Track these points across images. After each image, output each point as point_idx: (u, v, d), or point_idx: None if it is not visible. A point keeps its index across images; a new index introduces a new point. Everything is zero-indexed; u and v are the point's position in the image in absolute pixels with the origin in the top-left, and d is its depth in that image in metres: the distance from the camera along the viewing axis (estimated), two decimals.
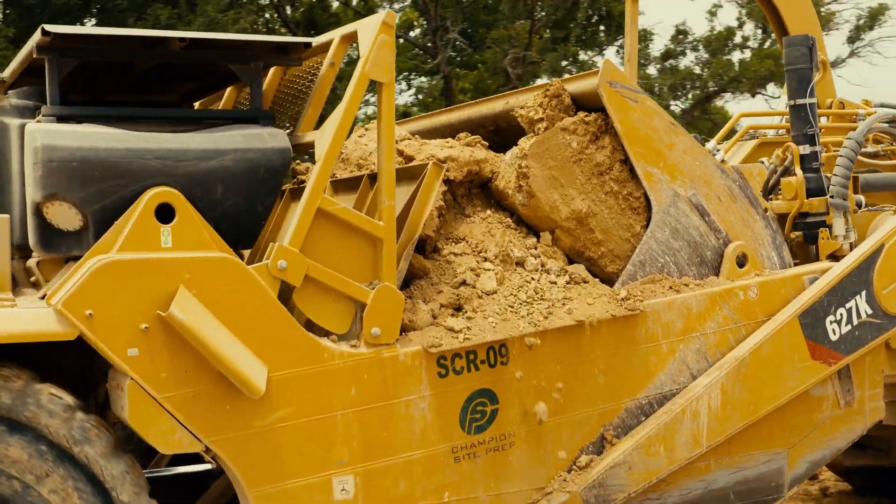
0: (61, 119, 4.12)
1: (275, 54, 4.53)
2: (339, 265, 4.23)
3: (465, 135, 5.10)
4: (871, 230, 5.52)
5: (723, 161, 5.50)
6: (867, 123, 5.62)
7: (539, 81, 24.50)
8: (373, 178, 4.83)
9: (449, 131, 5.61)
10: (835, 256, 5.34)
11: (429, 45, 22.78)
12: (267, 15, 22.16)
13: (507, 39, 22.49)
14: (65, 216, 4.02)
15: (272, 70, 4.98)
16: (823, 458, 5.25)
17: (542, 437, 4.53)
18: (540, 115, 4.80)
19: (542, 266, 4.66)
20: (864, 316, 5.13)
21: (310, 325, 4.24)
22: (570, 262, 4.83)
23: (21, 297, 4.18)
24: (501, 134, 5.34)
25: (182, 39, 4.22)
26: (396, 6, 24.13)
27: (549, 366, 4.51)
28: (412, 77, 26.16)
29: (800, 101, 5.48)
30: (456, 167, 4.73)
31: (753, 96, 26.07)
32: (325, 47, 4.60)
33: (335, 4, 23.00)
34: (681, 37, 27.10)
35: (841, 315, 5.07)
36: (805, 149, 5.45)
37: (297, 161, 5.20)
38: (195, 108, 5.48)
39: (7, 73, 4.73)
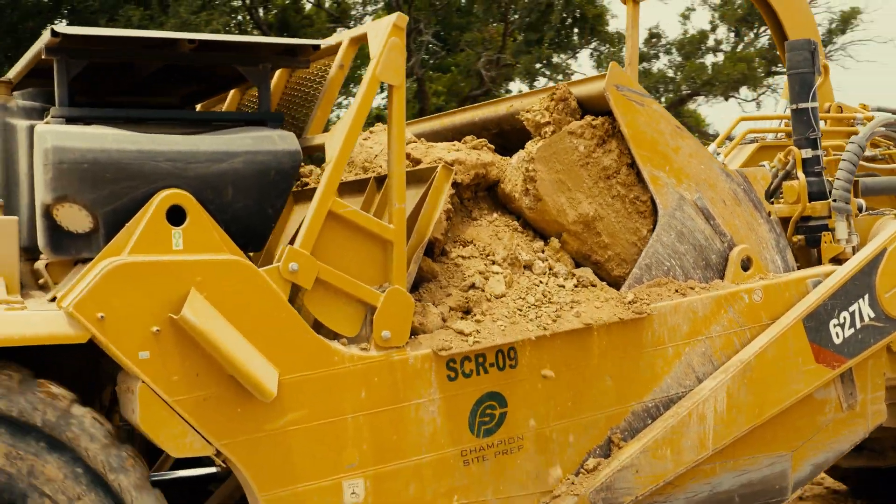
0: (70, 120, 4.09)
1: (283, 56, 4.51)
2: (348, 268, 4.22)
3: (471, 138, 5.10)
4: (872, 234, 5.56)
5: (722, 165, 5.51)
6: (869, 128, 5.65)
7: (512, 84, 24.58)
8: (380, 180, 4.82)
9: (452, 134, 5.61)
10: (837, 260, 5.37)
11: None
12: (239, 17, 22.09)
13: (481, 42, 22.53)
14: (75, 218, 4.00)
15: (277, 72, 4.97)
16: (827, 461, 5.27)
17: (551, 441, 4.53)
18: (546, 118, 4.80)
19: (550, 269, 4.66)
20: (867, 319, 5.15)
21: (316, 327, 4.23)
22: (577, 265, 4.84)
23: (29, 300, 4.15)
24: (505, 137, 5.34)
25: (191, 41, 4.20)
26: (370, 8, 24.13)
27: (559, 369, 4.52)
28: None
29: (802, 105, 5.50)
30: (463, 170, 4.73)
31: (727, 99, 26.25)
32: (333, 49, 4.59)
33: (308, 6, 22.97)
34: (654, 40, 27.21)
35: (844, 318, 5.10)
36: (807, 152, 5.47)
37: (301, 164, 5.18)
38: (196, 110, 5.46)
39: (12, 73, 4.70)
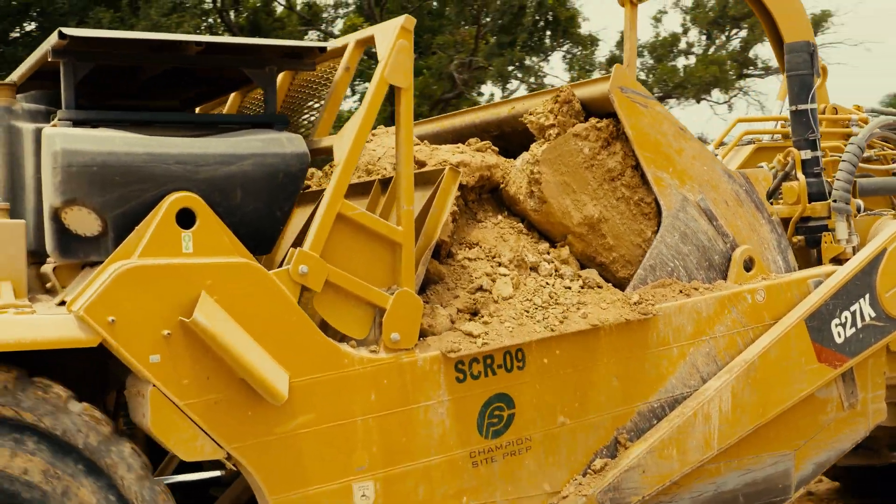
0: (77, 123, 4.07)
1: (289, 59, 4.51)
2: (357, 270, 4.22)
3: (475, 140, 5.11)
4: (871, 234, 5.60)
5: None
6: (868, 129, 5.69)
7: (485, 87, 24.58)
8: (384, 182, 4.82)
9: (452, 136, 5.62)
10: (837, 260, 5.40)
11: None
12: (210, 19, 21.99)
13: (453, 45, 22.49)
14: (84, 221, 3.98)
15: (280, 75, 4.96)
16: (829, 460, 5.30)
17: (558, 441, 4.54)
18: (551, 121, 4.81)
19: (556, 271, 4.67)
20: (867, 319, 5.19)
21: (322, 329, 4.23)
22: (582, 267, 4.85)
23: (37, 304, 4.13)
24: (506, 139, 5.35)
25: (199, 43, 4.20)
26: (341, 11, 24.08)
27: (565, 370, 4.53)
28: (356, 83, 26.11)
29: (801, 107, 5.54)
30: (468, 172, 4.73)
31: (698, 102, 26.35)
32: (338, 52, 4.59)
33: (279, 9, 22.89)
34: None
35: (846, 318, 5.13)
36: (807, 154, 5.51)
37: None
38: (196, 113, 5.45)
39: (15, 76, 4.68)
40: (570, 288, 4.62)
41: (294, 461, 4.04)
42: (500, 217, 4.85)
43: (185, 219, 3.94)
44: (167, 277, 3.84)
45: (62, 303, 4.05)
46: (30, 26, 18.78)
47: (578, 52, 26.30)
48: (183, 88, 5.05)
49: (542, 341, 4.44)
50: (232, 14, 22.02)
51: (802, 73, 5.55)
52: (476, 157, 4.81)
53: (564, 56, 26.36)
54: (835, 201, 5.43)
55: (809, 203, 5.46)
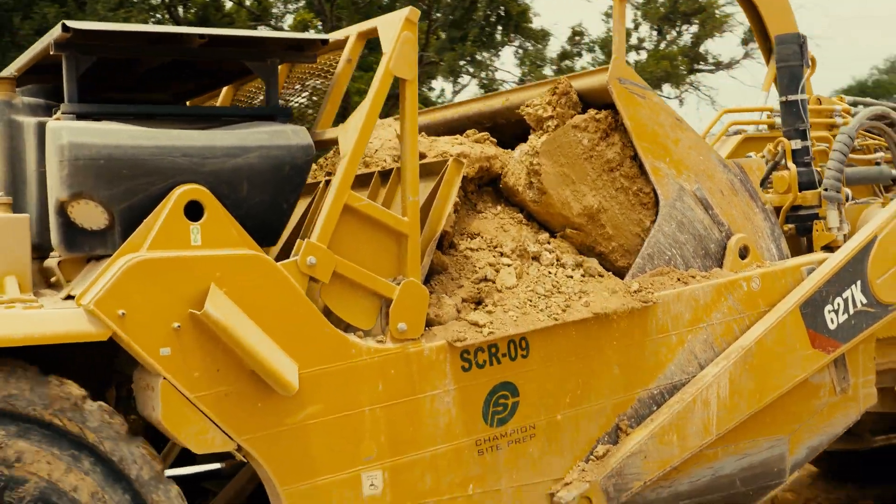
0: (80, 117, 4.06)
1: (290, 51, 4.50)
2: (363, 261, 4.24)
3: (473, 132, 5.13)
4: (861, 222, 5.68)
5: None
6: (858, 119, 5.76)
7: (435, 82, 24.54)
8: (384, 174, 4.84)
9: (445, 128, 5.64)
10: (829, 248, 5.47)
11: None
12: (158, 15, 21.85)
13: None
14: (90, 215, 3.96)
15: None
16: (821, 444, 5.38)
17: (561, 429, 4.58)
18: (549, 112, 4.84)
19: (558, 260, 4.71)
20: (859, 305, 5.26)
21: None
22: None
23: (42, 299, 4.11)
24: (499, 131, 5.37)
25: (202, 36, 4.19)
26: (291, 7, 23.98)
27: (568, 358, 4.57)
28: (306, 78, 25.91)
29: (791, 98, 5.61)
30: (468, 163, 4.76)
31: None
32: (339, 44, 4.60)
33: (228, 4, 22.77)
34: (577, 38, 27.43)
35: (838, 304, 5.20)
36: (797, 143, 5.58)
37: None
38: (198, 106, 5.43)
39: (13, 69, 4.65)
40: (571, 277, 4.66)
41: (303, 452, 4.05)
42: (499, 208, 4.88)
43: (194, 211, 3.94)
44: (177, 270, 3.84)
45: (68, 297, 4.03)
46: None
47: (530, 47, 26.41)
48: (178, 81, 5.03)
49: (545, 330, 4.48)
50: (181, 9, 21.88)
51: (792, 64, 5.62)
52: (475, 148, 4.84)
53: (516, 51, 26.49)
54: (826, 190, 5.51)
55: (800, 192, 5.53)
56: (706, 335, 4.93)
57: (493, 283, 4.52)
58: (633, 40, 27.40)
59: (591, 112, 4.87)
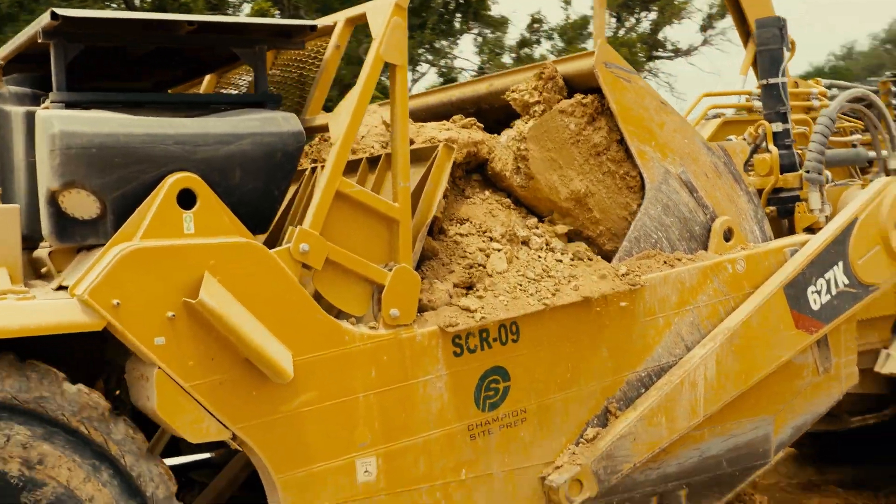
0: (69, 105, 4.03)
1: (279, 37, 4.49)
2: (355, 247, 4.24)
3: (459, 117, 5.13)
4: (841, 204, 5.74)
5: None
6: (838, 102, 5.81)
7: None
8: (372, 161, 4.84)
9: (428, 114, 5.64)
10: (811, 230, 5.53)
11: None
12: (114, 4, 21.61)
13: (362, 28, 22.35)
14: (82, 204, 3.94)
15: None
16: (805, 424, 5.44)
17: (552, 412, 4.61)
18: (536, 98, 4.85)
19: (547, 244, 4.73)
20: (841, 286, 5.32)
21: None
22: (569, 241, 4.91)
23: (33, 290, 4.07)
24: (483, 116, 5.38)
25: (191, 23, 4.17)
26: None
27: (557, 342, 4.59)
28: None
29: (772, 81, 5.65)
30: (456, 149, 4.76)
31: None
32: (328, 30, 4.58)
33: None
34: (536, 25, 27.45)
35: (821, 285, 5.25)
36: (778, 126, 5.62)
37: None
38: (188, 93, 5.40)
39: None
40: (560, 261, 4.68)
41: (298, 439, 4.06)
42: (487, 193, 4.89)
43: (186, 199, 3.93)
44: (170, 259, 3.82)
45: (60, 287, 4.00)
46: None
47: (489, 35, 26.40)
48: (160, 70, 5.00)
49: (534, 314, 4.50)
50: None
51: (772, 47, 5.66)
52: (463, 133, 4.84)
53: (475, 39, 26.47)
54: (807, 172, 5.56)
55: (781, 174, 5.58)
56: (692, 317, 4.98)
57: (484, 267, 4.53)
58: (592, 27, 27.45)
59: (578, 97, 4.89)
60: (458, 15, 25.31)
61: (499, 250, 4.58)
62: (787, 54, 5.70)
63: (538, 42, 27.46)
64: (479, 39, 26.48)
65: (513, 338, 4.49)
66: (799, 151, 5.73)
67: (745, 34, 6.52)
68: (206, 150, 4.03)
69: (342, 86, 21.62)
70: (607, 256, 4.93)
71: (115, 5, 21.48)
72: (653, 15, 28.05)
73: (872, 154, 6.29)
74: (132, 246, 3.78)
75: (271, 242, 4.68)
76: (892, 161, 6.00)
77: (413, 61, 24.21)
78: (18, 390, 3.67)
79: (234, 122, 4.13)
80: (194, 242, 3.88)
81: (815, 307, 5.24)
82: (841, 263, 5.33)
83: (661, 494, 4.96)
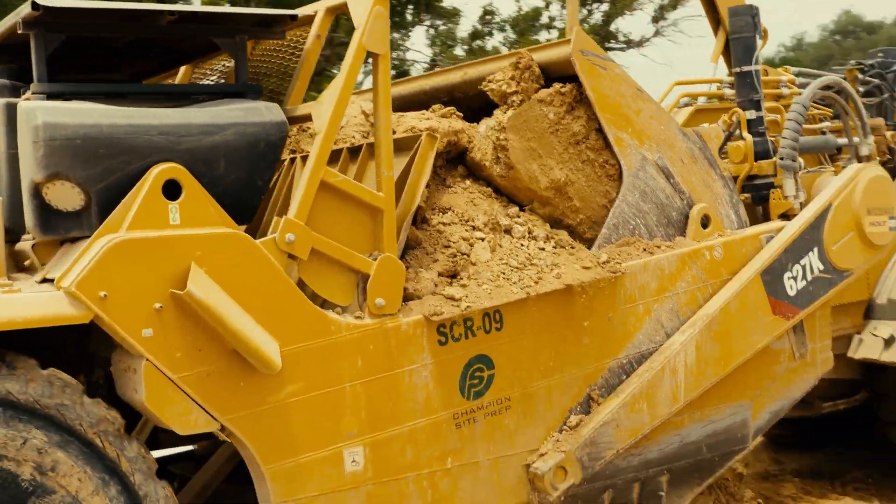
0: (51, 96, 3.99)
1: (259, 27, 4.46)
2: (339, 237, 4.23)
3: (438, 106, 5.14)
4: (815, 190, 5.81)
5: None
6: (811, 89, 5.88)
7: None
8: (353, 151, 4.83)
9: (401, 103, 5.63)
10: (785, 216, 5.59)
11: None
12: None
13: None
14: (66, 196, 3.90)
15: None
16: (782, 409, 5.50)
17: (535, 400, 4.63)
18: (513, 88, 4.86)
19: (530, 233, 4.75)
20: (816, 272, 5.38)
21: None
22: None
23: (16, 283, 4.03)
24: (456, 105, 5.38)
25: (172, 13, 4.14)
26: None
27: (540, 330, 4.61)
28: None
29: (746, 69, 5.71)
30: (438, 138, 4.76)
31: None
32: (308, 20, 4.57)
33: None
34: (488, 17, 27.45)
35: (797, 271, 5.31)
36: (751, 114, 5.68)
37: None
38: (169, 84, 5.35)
39: None
40: (543, 249, 4.70)
41: (286, 430, 4.05)
42: (468, 182, 4.90)
43: (172, 190, 3.90)
44: (157, 250, 3.80)
45: (44, 280, 3.97)
46: None
47: (441, 26, 26.37)
48: (136, 61, 4.96)
49: (517, 302, 4.51)
50: None
51: (746, 35, 5.71)
52: (443, 122, 4.85)
53: (427, 31, 26.44)
54: (782, 159, 5.62)
55: (756, 162, 5.63)
56: (672, 304, 5.01)
57: (468, 256, 4.54)
58: (545, 19, 27.49)
59: (557, 86, 4.91)
60: (410, 7, 25.24)
61: (482, 239, 4.60)
62: (759, 42, 5.75)
63: (490, 34, 27.43)
64: (431, 32, 26.45)
65: (496, 326, 4.51)
66: (772, 139, 5.79)
67: (716, 22, 6.57)
68: (189, 141, 4.00)
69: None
70: (588, 244, 4.96)
71: None
72: (605, 6, 28.12)
73: (842, 141, 6.37)
74: (119, 237, 3.75)
75: (249, 233, 4.66)
76: (864, 148, 6.07)
77: None
78: (41, 395, 3.68)
79: (217, 112, 4.11)
80: (181, 233, 3.86)
81: (792, 293, 5.30)
82: (816, 249, 5.39)
83: (643, 480, 5.00)
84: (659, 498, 5.06)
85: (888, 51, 7.52)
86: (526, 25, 26.58)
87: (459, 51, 26.42)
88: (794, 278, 5.30)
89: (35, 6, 3.84)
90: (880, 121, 6.78)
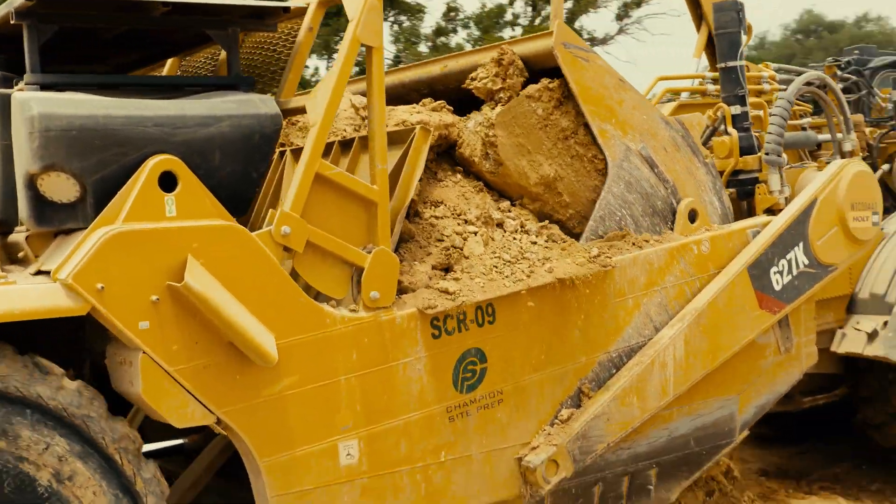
0: (45, 87, 3.96)
1: (252, 19, 4.45)
2: (333, 230, 4.22)
3: (429, 100, 5.13)
4: (799, 185, 5.85)
5: None
6: (795, 85, 5.93)
7: (310, 60, 24.25)
8: (345, 144, 4.82)
9: None
10: (771, 211, 5.63)
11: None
12: None
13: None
14: (61, 187, 3.86)
15: None
16: (768, 403, 5.54)
17: (527, 393, 4.64)
18: (500, 84, 4.86)
19: (522, 227, 4.76)
20: (802, 266, 5.43)
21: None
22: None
23: (11, 275, 3.99)
24: (436, 97, 5.36)
25: (165, 3, 4.11)
26: None
27: (532, 323, 4.62)
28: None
29: (731, 64, 5.75)
30: (431, 131, 4.76)
31: None
32: (300, 12, 4.56)
33: None
34: (452, 14, 27.49)
35: (783, 266, 5.36)
36: (736, 109, 5.73)
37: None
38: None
39: None
40: (535, 243, 4.71)
41: (282, 423, 4.04)
42: (458, 176, 4.90)
43: (168, 182, 3.88)
44: (154, 242, 3.78)
45: (39, 272, 3.93)
46: None
47: (405, 23, 26.37)
48: (129, 51, 4.92)
49: (509, 296, 4.52)
50: None
51: (730, 31, 5.76)
52: (434, 116, 4.85)
53: (391, 27, 26.42)
54: (767, 154, 5.66)
55: (741, 157, 5.67)
56: (661, 298, 5.04)
57: (461, 250, 4.55)
58: (508, 16, 27.55)
59: (545, 81, 4.91)
60: None
61: (475, 233, 4.60)
62: (744, 38, 5.79)
63: (454, 31, 27.50)
64: (396, 28, 26.45)
65: (489, 319, 4.51)
66: (756, 134, 5.83)
67: (698, 17, 6.61)
68: (185, 133, 3.98)
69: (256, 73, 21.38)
70: (578, 239, 4.96)
71: None
72: (569, 3, 28.22)
73: (822, 137, 6.43)
74: (115, 229, 3.72)
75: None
76: (847, 143, 6.14)
77: (329, 49, 24.06)
78: (70, 403, 3.68)
79: (212, 104, 4.09)
80: (177, 225, 3.84)
81: (778, 287, 5.34)
82: (801, 244, 5.44)
83: (632, 474, 5.03)
84: (648, 491, 5.09)
85: (864, 48, 7.61)
86: (490, 22, 26.64)
87: (423, 47, 26.45)
88: (780, 273, 5.34)
89: None
90: (860, 117, 6.86)
